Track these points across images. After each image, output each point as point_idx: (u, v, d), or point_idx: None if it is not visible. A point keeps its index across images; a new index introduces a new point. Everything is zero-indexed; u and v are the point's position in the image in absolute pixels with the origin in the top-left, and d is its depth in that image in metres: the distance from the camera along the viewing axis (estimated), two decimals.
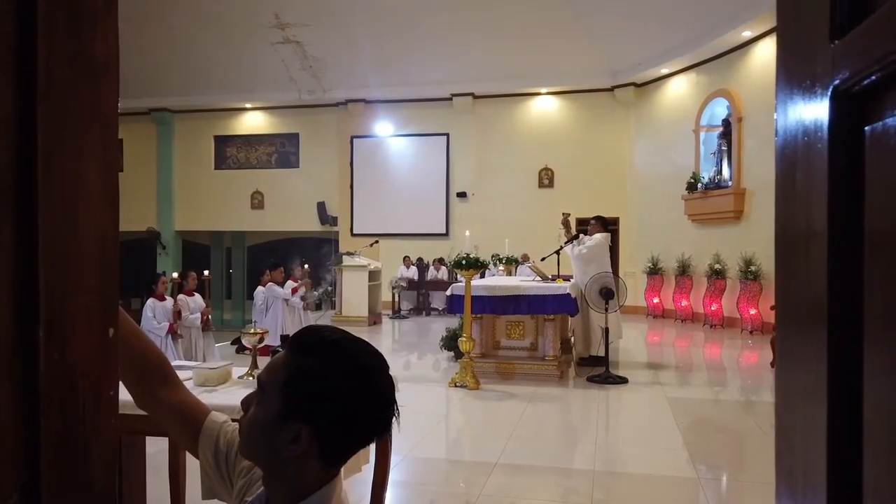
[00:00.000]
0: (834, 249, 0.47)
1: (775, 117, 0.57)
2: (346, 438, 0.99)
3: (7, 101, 0.53)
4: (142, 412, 1.19)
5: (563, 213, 8.48)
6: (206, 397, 2.56)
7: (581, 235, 8.15)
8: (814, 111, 0.50)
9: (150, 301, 6.81)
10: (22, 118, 0.54)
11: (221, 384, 2.83)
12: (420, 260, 15.47)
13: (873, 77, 0.44)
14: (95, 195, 0.61)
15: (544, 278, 7.75)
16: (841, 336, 0.46)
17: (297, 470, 0.98)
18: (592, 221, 8.31)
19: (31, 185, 0.55)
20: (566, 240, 8.18)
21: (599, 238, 7.97)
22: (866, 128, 0.46)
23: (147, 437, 3.16)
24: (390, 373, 1.04)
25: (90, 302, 0.61)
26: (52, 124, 0.55)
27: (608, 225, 8.52)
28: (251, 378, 2.91)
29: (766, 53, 11.54)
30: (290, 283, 9.54)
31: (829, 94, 0.47)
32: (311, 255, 16.07)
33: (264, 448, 0.98)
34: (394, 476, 3.54)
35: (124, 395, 1.00)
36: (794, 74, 0.54)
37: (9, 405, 0.55)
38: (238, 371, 3.04)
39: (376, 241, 14.93)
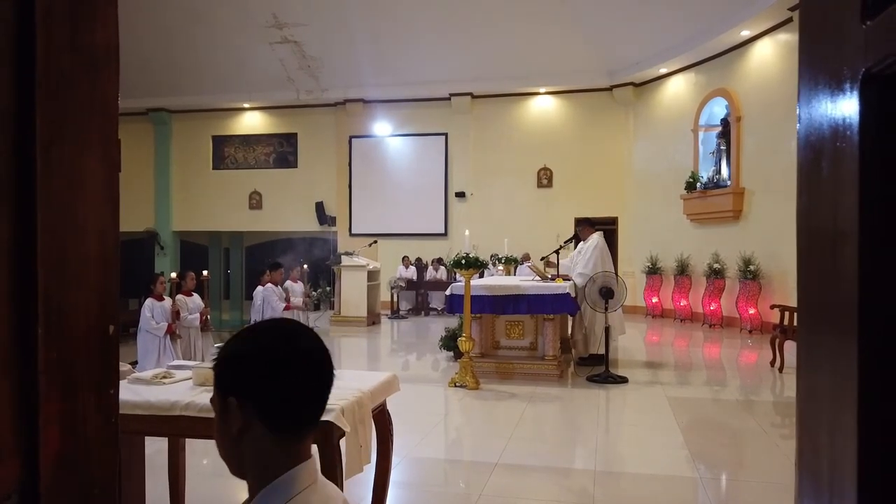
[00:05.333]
0: (866, 248, 0.44)
1: (797, 106, 0.54)
2: (275, 395, 0.99)
3: (5, 91, 0.51)
4: (140, 412, 1.17)
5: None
6: (206, 397, 2.55)
7: (580, 243, 8.19)
8: (842, 97, 0.47)
9: (149, 301, 6.79)
10: (20, 109, 0.52)
11: None
12: (419, 260, 15.47)
13: None
14: (96, 189, 0.59)
15: (544, 278, 7.74)
16: (874, 338, 0.44)
17: (252, 449, 0.99)
18: (579, 228, 8.41)
19: (30, 179, 0.53)
20: (564, 241, 8.25)
21: (595, 238, 7.98)
22: None
23: (146, 438, 3.14)
24: (296, 327, 1.06)
25: (90, 299, 0.60)
26: (52, 115, 0.54)
27: (595, 224, 8.55)
28: None
29: (764, 52, 11.55)
30: (289, 283, 9.64)
31: (859, 78, 0.45)
32: (309, 255, 16.04)
33: (227, 443, 1.01)
34: (394, 476, 3.53)
35: (124, 394, 0.98)
36: (820, 59, 0.51)
37: (6, 405, 0.54)
38: None
39: (375, 241, 14.92)
